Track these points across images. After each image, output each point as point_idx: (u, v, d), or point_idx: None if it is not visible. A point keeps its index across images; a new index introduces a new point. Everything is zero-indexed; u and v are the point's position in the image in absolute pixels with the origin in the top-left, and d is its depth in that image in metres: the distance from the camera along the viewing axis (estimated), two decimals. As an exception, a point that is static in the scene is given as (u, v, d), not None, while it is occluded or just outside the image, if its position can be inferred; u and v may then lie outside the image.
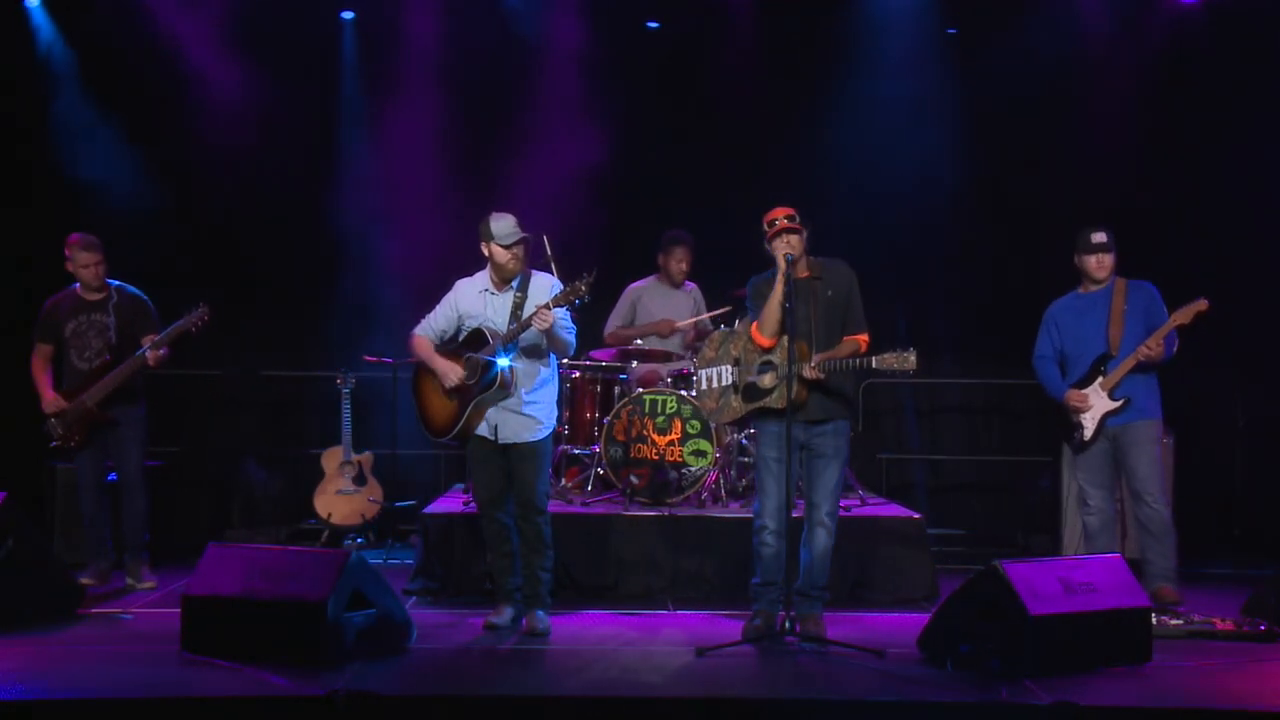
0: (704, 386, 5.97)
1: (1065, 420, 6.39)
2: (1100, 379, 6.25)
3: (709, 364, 5.95)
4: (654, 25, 8.91)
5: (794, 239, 5.55)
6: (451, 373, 5.77)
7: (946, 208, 8.73)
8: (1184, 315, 6.09)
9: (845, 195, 8.71)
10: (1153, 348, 6.11)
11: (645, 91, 8.79)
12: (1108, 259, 6.30)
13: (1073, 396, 6.30)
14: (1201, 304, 6.06)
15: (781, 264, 5.51)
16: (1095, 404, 6.26)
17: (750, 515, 5.83)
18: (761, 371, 5.66)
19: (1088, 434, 6.29)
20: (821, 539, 5.66)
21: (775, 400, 5.57)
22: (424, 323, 5.95)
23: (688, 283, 7.79)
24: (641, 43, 8.87)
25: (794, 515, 5.66)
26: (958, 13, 8.85)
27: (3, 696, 4.56)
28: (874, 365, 5.37)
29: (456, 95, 8.74)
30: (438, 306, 5.94)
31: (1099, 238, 6.31)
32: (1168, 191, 8.45)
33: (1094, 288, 6.36)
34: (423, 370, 5.95)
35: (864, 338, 5.65)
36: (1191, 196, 8.51)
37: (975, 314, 8.80)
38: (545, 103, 8.62)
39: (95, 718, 4.54)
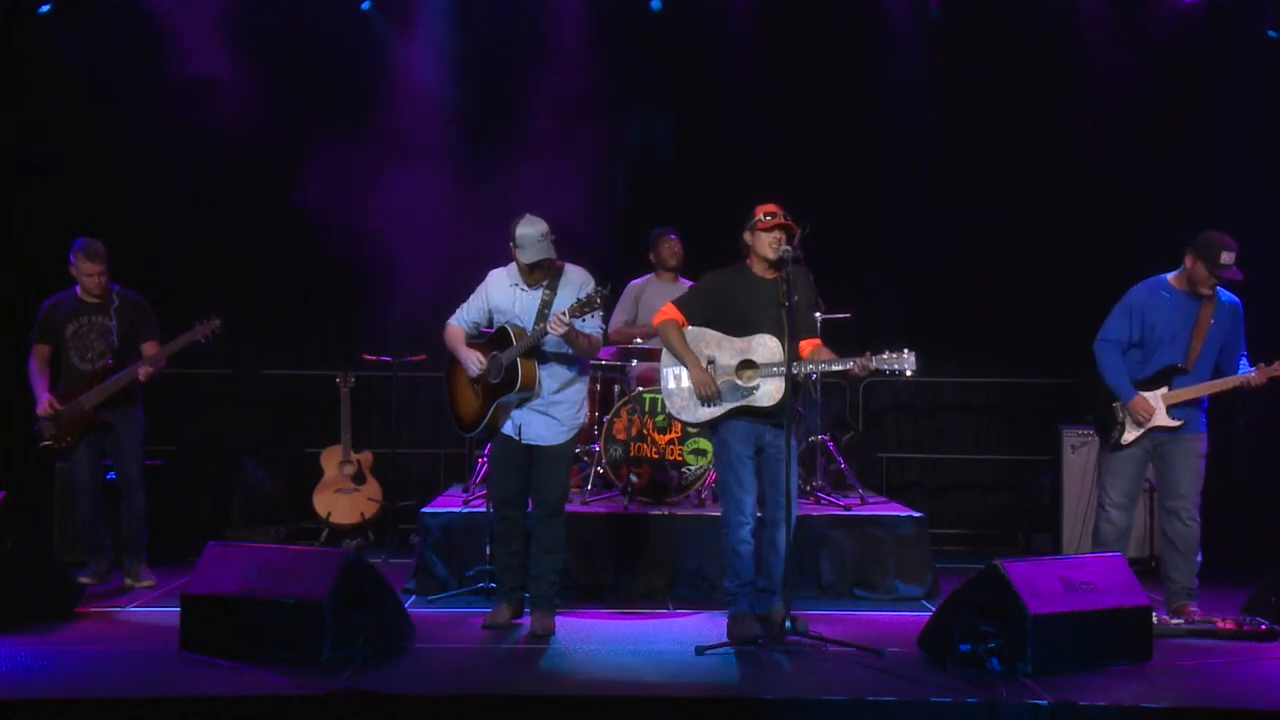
0: (670, 385, 5.74)
1: (1105, 412, 6.04)
2: (1165, 389, 5.90)
3: (676, 362, 5.73)
4: (657, 6, 8.84)
5: (785, 236, 5.57)
6: (473, 361, 5.72)
7: (946, 205, 8.72)
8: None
9: (845, 193, 8.71)
10: (1255, 383, 5.80)
11: (650, 78, 8.78)
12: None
13: (1141, 407, 5.87)
14: None
15: (773, 256, 5.55)
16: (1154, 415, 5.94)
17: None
18: (741, 369, 5.59)
19: (1128, 438, 5.98)
20: (786, 537, 5.58)
21: (763, 398, 5.53)
22: (458, 313, 5.91)
23: (686, 281, 7.76)
24: (647, 26, 8.83)
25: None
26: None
27: (3, 696, 4.56)
28: (873, 365, 5.36)
29: (459, 91, 8.72)
30: (471, 297, 5.89)
31: (1228, 258, 5.75)
32: (1166, 188, 8.43)
33: (1188, 289, 5.91)
34: (455, 363, 5.90)
35: (818, 342, 5.81)
36: (1186, 192, 8.50)
37: (976, 313, 8.78)
38: (549, 100, 8.59)
39: (95, 717, 4.54)
